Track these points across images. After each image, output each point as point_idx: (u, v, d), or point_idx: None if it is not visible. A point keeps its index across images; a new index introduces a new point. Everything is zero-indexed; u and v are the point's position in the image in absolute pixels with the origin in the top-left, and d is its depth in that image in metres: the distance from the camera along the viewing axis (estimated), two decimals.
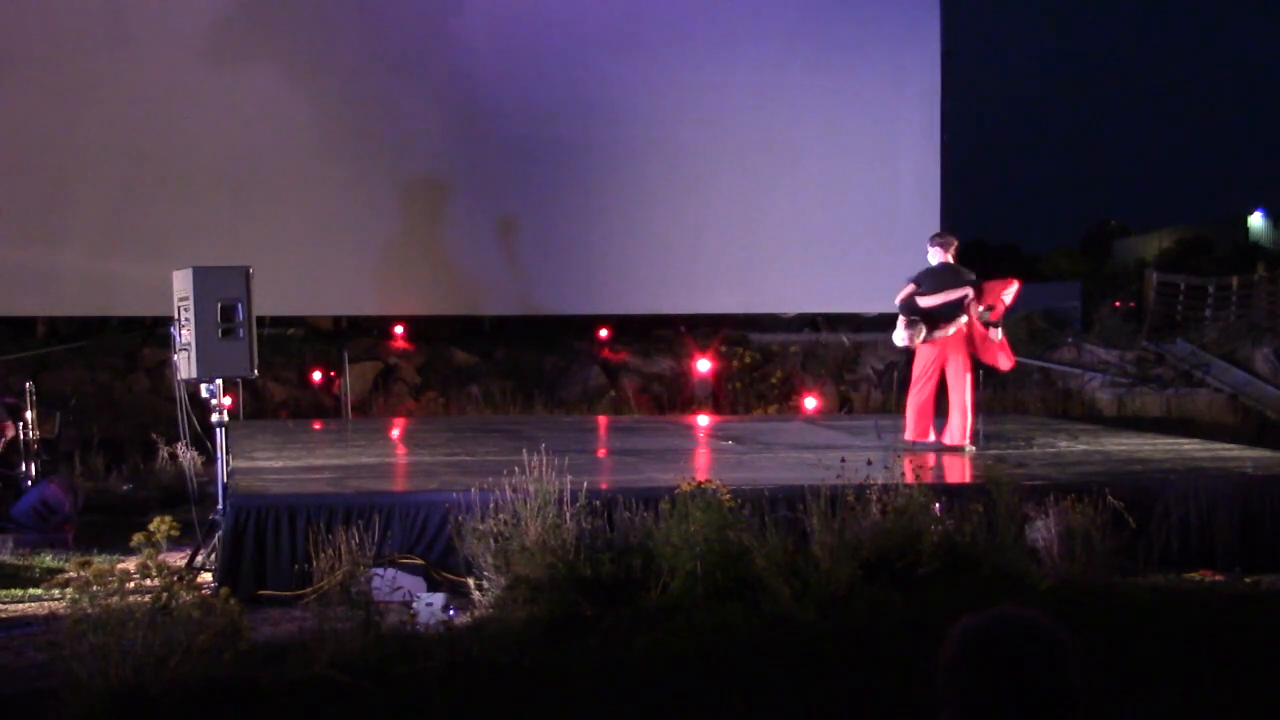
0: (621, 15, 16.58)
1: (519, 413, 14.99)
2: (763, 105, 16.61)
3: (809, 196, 16.30)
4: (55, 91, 14.79)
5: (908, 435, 10.23)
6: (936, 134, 17.37)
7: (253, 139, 15.28)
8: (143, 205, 14.94)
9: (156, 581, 5.48)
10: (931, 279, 10.11)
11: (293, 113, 15.48)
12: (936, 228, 17.15)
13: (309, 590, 6.58)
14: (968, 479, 8.68)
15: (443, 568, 7.34)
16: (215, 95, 15.17)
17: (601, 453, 10.93)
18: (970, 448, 10.01)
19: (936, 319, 10.03)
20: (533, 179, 16.06)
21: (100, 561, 5.90)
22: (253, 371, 7.87)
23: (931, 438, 10.16)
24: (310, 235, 15.37)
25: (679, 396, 16.53)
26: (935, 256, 10.20)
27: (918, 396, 10.19)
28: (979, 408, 10.32)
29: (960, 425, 10.06)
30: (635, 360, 17.18)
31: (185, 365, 7.78)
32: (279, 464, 9.32)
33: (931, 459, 9.65)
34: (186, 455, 8.73)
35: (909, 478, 7.66)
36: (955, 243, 10.42)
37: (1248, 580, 7.77)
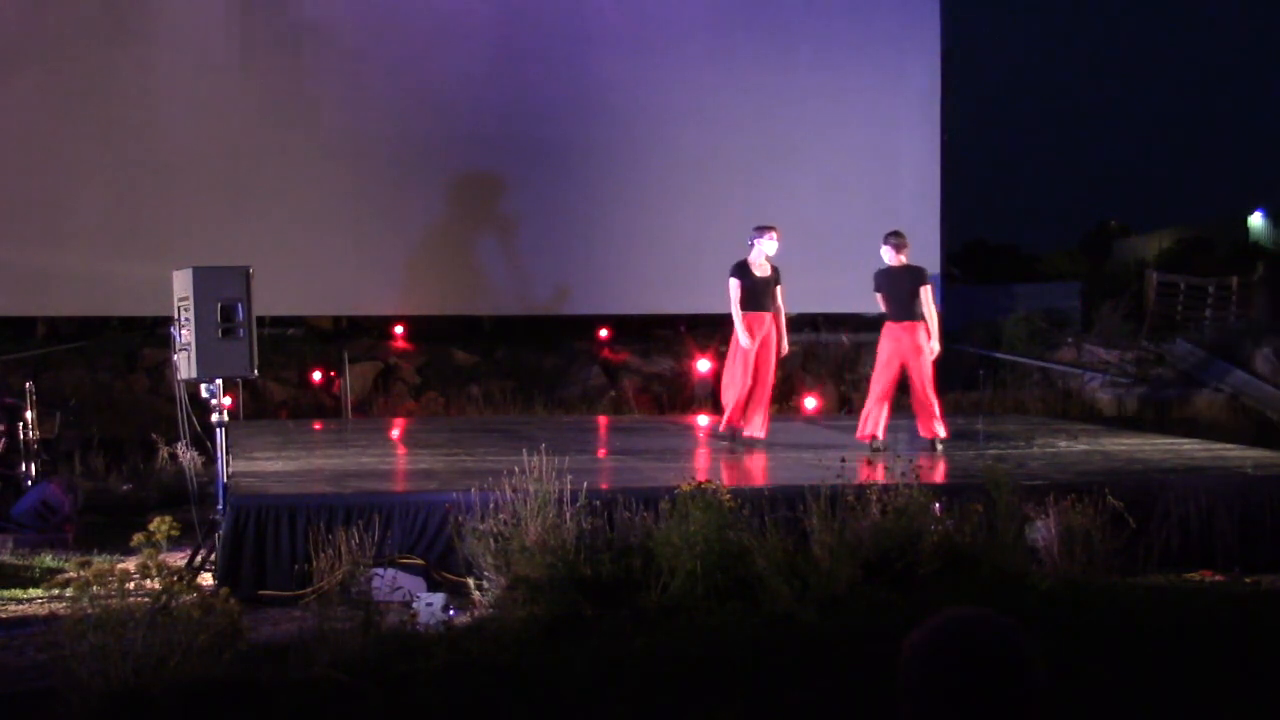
0: (622, 15, 16.57)
1: (519, 413, 14.98)
2: (763, 105, 16.60)
3: (809, 196, 16.28)
4: (55, 91, 14.79)
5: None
6: (936, 134, 17.34)
7: (252, 139, 15.27)
8: (142, 205, 14.93)
9: (156, 582, 5.49)
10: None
11: (293, 112, 15.47)
12: (937, 228, 17.17)
13: (309, 590, 6.59)
14: (967, 479, 8.68)
15: (443, 568, 7.34)
16: (214, 95, 15.17)
17: (601, 453, 10.94)
18: (738, 442, 10.39)
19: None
20: (533, 179, 16.05)
21: (100, 561, 5.90)
22: (253, 371, 7.87)
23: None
24: (310, 235, 15.36)
25: (679, 396, 16.52)
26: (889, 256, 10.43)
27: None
28: (886, 404, 10.44)
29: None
30: (635, 360, 17.18)
31: (185, 365, 7.78)
32: (279, 464, 9.32)
33: (928, 459, 9.68)
34: (186, 455, 8.73)
35: (909, 478, 7.66)
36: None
37: (1248, 580, 7.77)
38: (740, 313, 10.22)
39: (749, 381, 10.29)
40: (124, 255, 14.57)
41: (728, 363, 10.55)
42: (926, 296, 10.17)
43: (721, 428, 10.60)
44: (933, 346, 10.14)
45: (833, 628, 6.25)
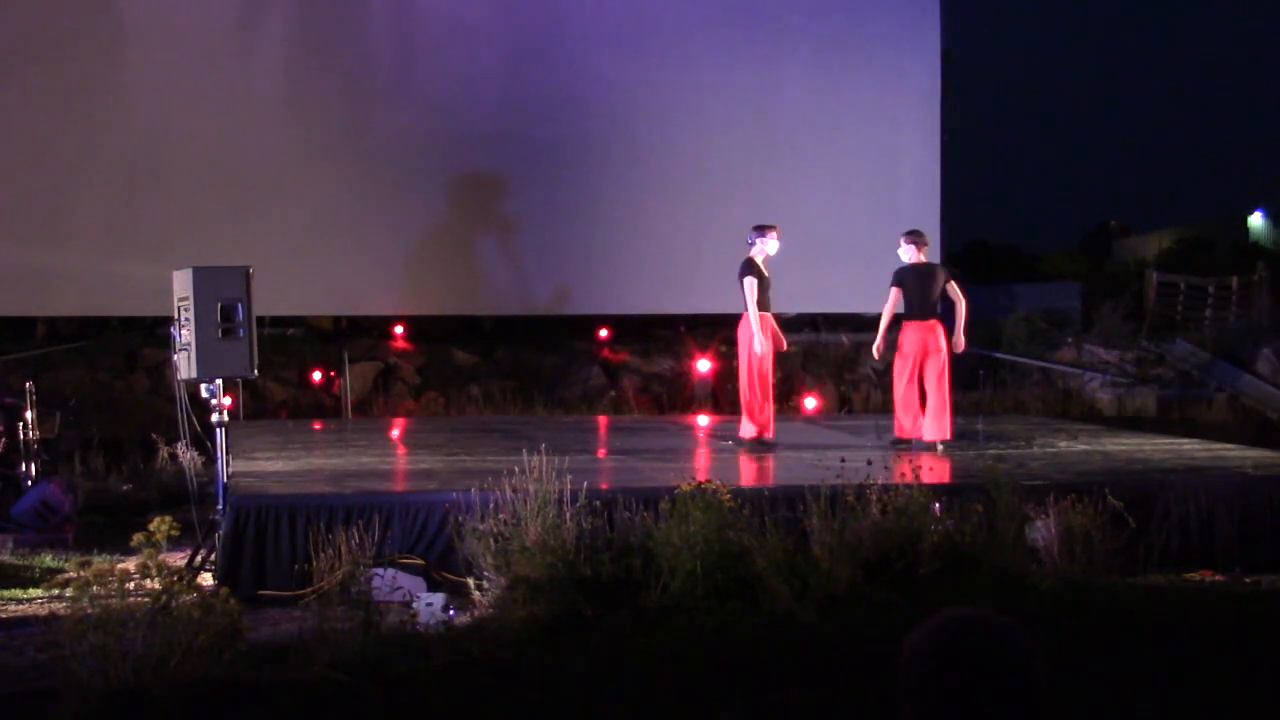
0: (622, 15, 16.58)
1: (519, 413, 14.98)
2: (763, 105, 16.60)
3: (809, 196, 16.28)
4: (55, 91, 14.79)
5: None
6: (936, 134, 17.35)
7: (253, 139, 15.28)
8: (143, 205, 14.93)
9: (156, 582, 5.49)
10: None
11: (293, 113, 15.48)
12: (937, 228, 17.16)
13: (309, 590, 6.59)
14: (967, 479, 8.68)
15: (443, 568, 7.34)
16: (215, 96, 15.17)
17: (601, 453, 10.93)
18: (743, 440, 10.29)
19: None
20: (533, 179, 16.06)
21: (100, 561, 5.90)
22: (253, 371, 7.88)
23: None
24: (310, 235, 15.37)
25: (679, 396, 16.52)
26: (909, 254, 10.29)
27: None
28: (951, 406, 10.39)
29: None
30: (635, 360, 17.18)
31: (185, 365, 7.78)
32: (279, 464, 9.32)
33: (930, 458, 9.68)
34: (186, 455, 8.72)
35: (909, 478, 7.66)
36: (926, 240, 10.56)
37: (1248, 580, 7.77)
38: (758, 315, 10.08)
39: (769, 385, 10.25)
40: (124, 255, 14.57)
41: (748, 371, 10.20)
42: (957, 290, 10.18)
43: (754, 435, 10.29)
44: (960, 340, 10.16)
45: (833, 628, 6.25)
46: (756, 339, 10.02)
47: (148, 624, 5.27)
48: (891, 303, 10.22)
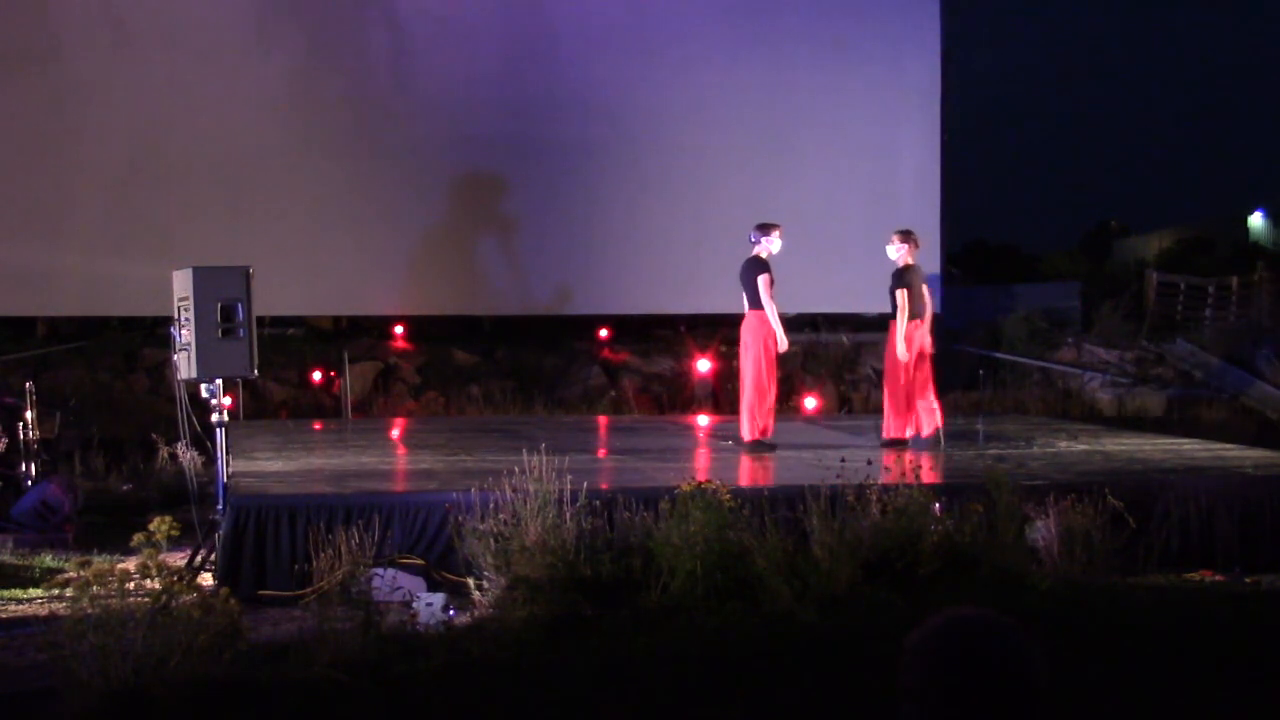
0: (623, 15, 16.58)
1: (519, 413, 14.99)
2: (763, 105, 16.59)
3: (809, 196, 16.27)
4: (55, 91, 14.78)
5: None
6: (936, 134, 17.34)
7: (253, 139, 15.27)
8: (142, 205, 14.92)
9: (156, 582, 5.49)
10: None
11: (293, 113, 15.47)
12: (936, 228, 17.17)
13: (309, 590, 6.59)
14: (967, 479, 8.68)
15: (443, 568, 7.34)
16: (214, 95, 15.17)
17: (601, 453, 10.94)
18: (743, 441, 10.17)
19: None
20: (533, 179, 16.05)
21: (100, 561, 5.90)
22: (253, 371, 7.88)
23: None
24: (310, 235, 15.36)
25: (679, 396, 16.52)
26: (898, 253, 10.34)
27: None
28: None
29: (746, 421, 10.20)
30: (635, 360, 17.18)
31: (185, 365, 7.78)
32: (279, 464, 9.32)
33: (930, 459, 9.68)
34: (186, 455, 8.73)
35: (909, 478, 7.66)
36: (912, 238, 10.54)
37: (1248, 580, 7.78)
38: (777, 313, 9.96)
39: (773, 386, 10.27)
40: (124, 255, 14.56)
41: (767, 370, 10.05)
42: (927, 291, 10.35)
43: (752, 435, 10.17)
44: (929, 340, 10.29)
45: (833, 628, 6.25)
46: (780, 336, 9.96)
47: (148, 624, 5.27)
48: (907, 303, 10.19)
